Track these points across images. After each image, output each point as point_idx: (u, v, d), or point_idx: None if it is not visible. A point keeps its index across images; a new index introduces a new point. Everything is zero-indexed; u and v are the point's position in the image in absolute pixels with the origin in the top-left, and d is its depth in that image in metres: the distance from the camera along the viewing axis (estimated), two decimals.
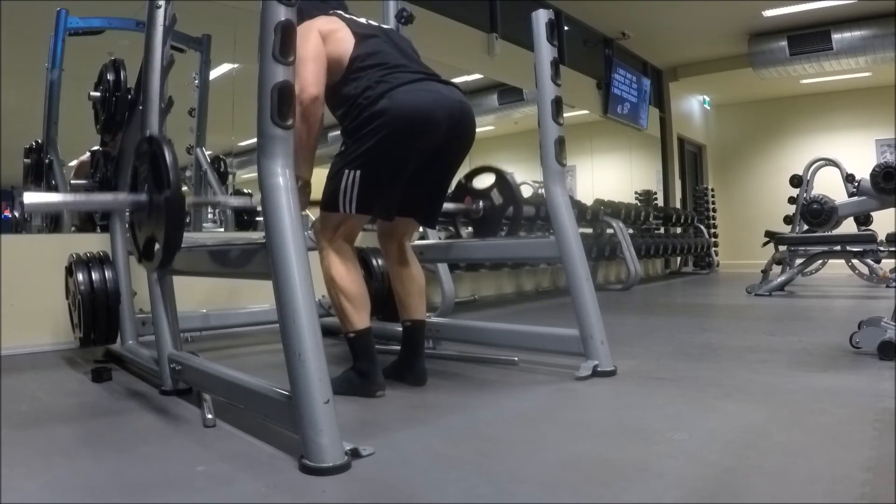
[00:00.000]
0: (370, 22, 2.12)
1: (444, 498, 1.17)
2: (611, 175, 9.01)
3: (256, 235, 3.49)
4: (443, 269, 3.30)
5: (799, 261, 5.41)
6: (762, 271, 5.58)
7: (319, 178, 2.02)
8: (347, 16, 2.08)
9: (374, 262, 3.12)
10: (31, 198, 1.68)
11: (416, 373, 2.11)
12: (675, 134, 9.79)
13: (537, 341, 2.41)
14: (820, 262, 5.76)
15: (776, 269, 5.61)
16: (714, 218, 9.53)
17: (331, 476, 1.27)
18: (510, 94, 6.87)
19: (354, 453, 1.34)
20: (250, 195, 4.58)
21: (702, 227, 9.01)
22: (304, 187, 1.95)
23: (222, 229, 4.34)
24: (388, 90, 1.86)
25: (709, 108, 11.12)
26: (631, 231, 6.79)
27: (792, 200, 6.10)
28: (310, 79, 1.85)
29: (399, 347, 2.21)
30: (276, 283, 1.40)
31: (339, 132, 2.03)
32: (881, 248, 4.97)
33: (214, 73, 4.28)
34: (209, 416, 1.66)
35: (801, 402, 1.77)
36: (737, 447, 1.40)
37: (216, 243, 2.37)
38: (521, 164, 7.13)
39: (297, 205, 1.46)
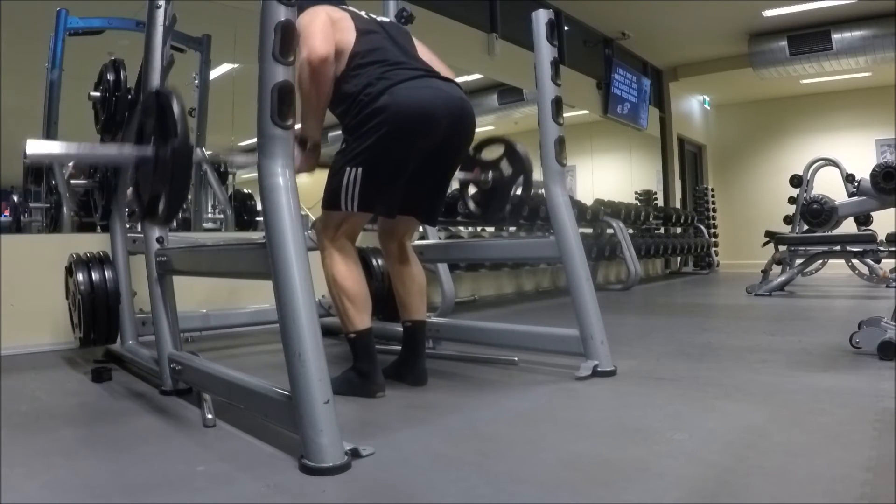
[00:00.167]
0: (371, 16, 2.12)
1: (444, 498, 1.17)
2: (611, 175, 9.01)
3: (256, 235, 3.49)
4: (443, 269, 3.30)
5: (799, 261, 5.41)
6: (762, 271, 5.58)
7: (319, 177, 2.02)
8: (351, 9, 2.08)
9: (375, 261, 3.12)
10: (33, 146, 1.63)
11: (416, 373, 2.11)
12: (675, 134, 9.79)
13: (537, 341, 2.41)
14: (820, 262, 5.76)
15: (776, 269, 5.61)
16: (714, 218, 9.53)
17: (331, 476, 1.27)
18: (510, 94, 6.87)
19: (354, 453, 1.34)
20: (251, 196, 4.59)
21: (702, 227, 9.01)
22: (314, 149, 1.95)
23: (222, 229, 4.34)
24: (388, 87, 1.86)
25: (709, 108, 11.12)
26: (631, 231, 6.79)
27: (792, 200, 6.11)
28: (318, 41, 1.84)
29: (399, 347, 2.21)
30: (276, 283, 1.40)
31: (339, 132, 2.03)
32: (881, 248, 4.97)
33: (214, 73, 4.29)
34: (209, 416, 1.66)
35: (801, 402, 1.77)
36: (737, 447, 1.40)
37: (216, 243, 2.37)
38: None
39: (297, 205, 1.46)
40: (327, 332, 2.40)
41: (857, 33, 7.56)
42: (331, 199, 1.93)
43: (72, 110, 3.53)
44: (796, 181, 6.13)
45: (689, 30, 7.98)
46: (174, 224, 4.21)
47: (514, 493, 1.18)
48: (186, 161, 1.54)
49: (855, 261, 5.40)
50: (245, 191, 4.67)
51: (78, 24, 3.57)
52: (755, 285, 5.33)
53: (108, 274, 2.40)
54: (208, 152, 4.24)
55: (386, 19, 2.21)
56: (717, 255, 9.26)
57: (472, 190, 2.75)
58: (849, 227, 5.57)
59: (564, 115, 2.36)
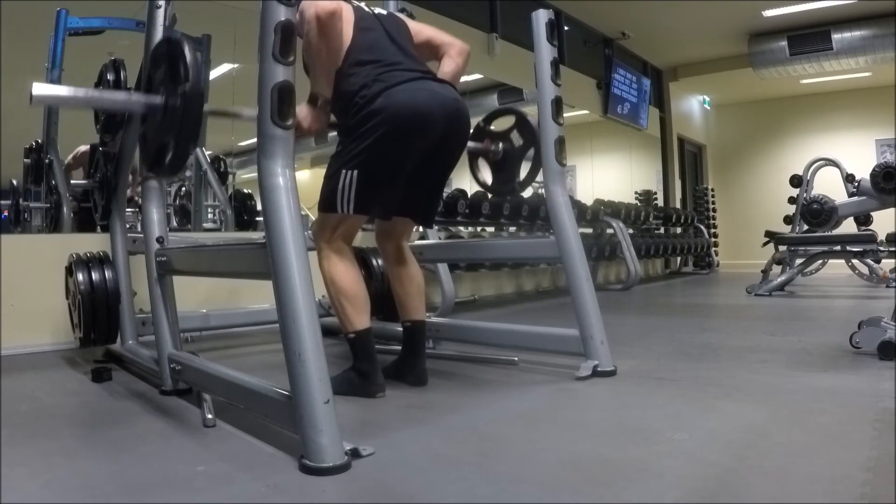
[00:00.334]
0: (370, 10, 2.11)
1: (444, 498, 1.17)
2: (611, 175, 9.01)
3: (256, 235, 3.49)
4: (443, 269, 3.30)
5: (799, 261, 5.41)
6: (762, 271, 5.58)
7: (320, 177, 2.01)
8: (353, 1, 2.08)
9: (374, 262, 3.12)
10: (39, 88, 1.61)
11: (416, 373, 2.11)
12: (675, 134, 9.80)
13: (537, 341, 2.41)
14: (820, 262, 5.76)
15: (776, 269, 5.61)
16: (714, 218, 9.53)
17: (331, 476, 1.27)
18: (510, 94, 6.87)
19: (354, 453, 1.34)
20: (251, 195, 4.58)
21: (702, 227, 9.01)
22: (325, 105, 1.94)
23: (222, 229, 4.34)
24: (384, 89, 1.86)
25: (709, 108, 11.13)
26: (631, 231, 6.79)
27: (792, 200, 6.11)
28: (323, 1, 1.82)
29: (399, 347, 2.21)
30: (276, 283, 1.40)
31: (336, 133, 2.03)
32: (881, 248, 4.97)
33: (214, 73, 4.29)
34: (209, 416, 1.66)
35: (801, 402, 1.77)
36: (737, 447, 1.40)
37: (216, 243, 2.37)
38: None
39: (297, 205, 1.46)
40: (327, 332, 2.40)
41: (857, 33, 7.56)
42: (327, 201, 1.93)
43: (72, 110, 3.53)
44: (796, 181, 6.13)
45: (689, 30, 7.98)
46: (174, 224, 4.22)
47: (514, 493, 1.18)
48: (197, 107, 1.51)
49: (855, 261, 5.40)
50: (245, 191, 4.67)
51: (78, 24, 3.57)
52: (755, 285, 5.33)
53: (108, 274, 2.40)
54: (209, 152, 4.25)
55: (384, 12, 2.19)
56: (717, 255, 9.26)
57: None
58: (849, 227, 5.57)
59: (564, 115, 2.36)
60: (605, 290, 6.03)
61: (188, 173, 4.15)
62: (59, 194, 3.47)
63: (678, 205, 9.71)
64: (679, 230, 8.72)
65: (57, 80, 3.50)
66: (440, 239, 3.77)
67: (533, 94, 2.43)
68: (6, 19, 3.31)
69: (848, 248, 5.12)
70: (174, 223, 4.31)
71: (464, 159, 2.19)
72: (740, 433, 1.51)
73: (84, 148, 3.67)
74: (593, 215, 6.41)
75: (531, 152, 2.51)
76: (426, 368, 2.14)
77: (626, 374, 2.18)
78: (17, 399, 2.02)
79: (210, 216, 4.41)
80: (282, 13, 1.44)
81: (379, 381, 1.95)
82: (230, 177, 4.59)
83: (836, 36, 7.63)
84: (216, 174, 4.29)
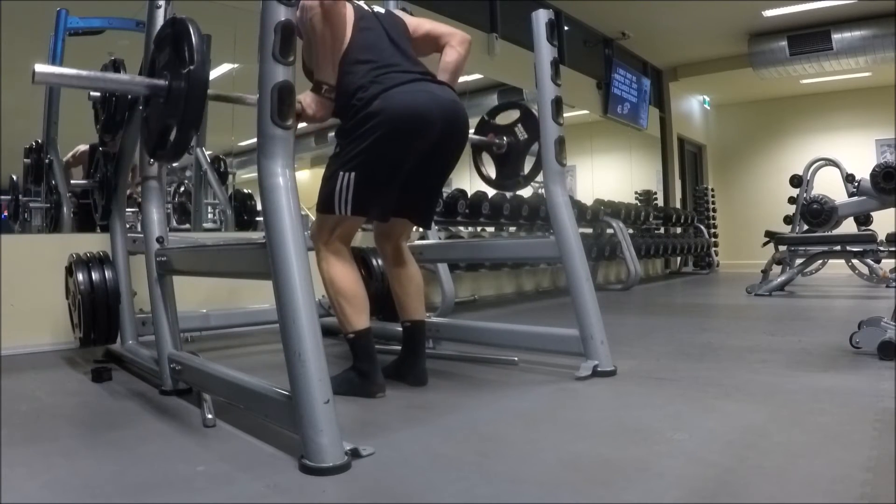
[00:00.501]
0: (370, 8, 2.11)
1: (444, 498, 1.17)
2: (611, 175, 9.01)
3: (256, 235, 3.49)
4: (443, 269, 3.30)
5: (799, 261, 5.41)
6: (762, 271, 5.58)
7: (318, 178, 2.01)
8: (355, 2, 2.08)
9: (374, 262, 3.12)
10: (42, 68, 1.58)
11: (416, 373, 2.11)
12: (675, 134, 9.80)
13: (537, 341, 2.41)
14: (820, 262, 5.76)
15: (776, 269, 5.61)
16: (714, 218, 9.53)
17: (331, 476, 1.27)
18: (510, 94, 6.86)
19: (354, 453, 1.34)
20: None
21: (702, 227, 9.01)
22: (329, 92, 1.93)
23: (222, 229, 4.34)
24: (381, 91, 1.86)
25: (709, 108, 11.13)
26: (631, 231, 6.79)
27: (792, 200, 6.11)
28: None
29: (399, 347, 2.21)
30: (276, 283, 1.40)
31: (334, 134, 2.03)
32: (881, 248, 4.97)
33: (214, 73, 4.28)
34: (209, 416, 1.66)
35: (801, 402, 1.77)
36: (737, 447, 1.40)
37: (216, 243, 2.37)
38: None
39: (297, 205, 1.46)
40: (327, 332, 2.40)
41: (857, 33, 7.56)
42: (325, 202, 1.93)
43: (72, 110, 3.53)
44: (796, 181, 6.13)
45: (689, 30, 7.98)
46: (174, 224, 4.22)
47: (514, 493, 1.18)
48: (201, 90, 1.50)
49: (855, 261, 5.41)
50: (245, 191, 4.67)
51: (78, 24, 3.57)
52: (755, 285, 5.33)
53: (108, 274, 2.40)
54: (209, 152, 4.25)
55: (383, 11, 2.19)
56: (717, 255, 9.27)
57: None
58: (849, 227, 5.57)
59: (564, 115, 2.36)
60: (605, 290, 6.03)
61: (188, 173, 4.15)
62: (59, 194, 3.47)
63: (678, 205, 9.71)
64: (679, 230, 8.72)
65: None
66: (440, 239, 3.78)
67: (533, 94, 2.43)
68: (6, 19, 3.31)
69: (848, 248, 5.13)
70: (173, 222, 4.31)
71: (467, 155, 2.18)
72: (740, 433, 1.51)
73: (84, 147, 3.67)
74: (593, 215, 6.41)
75: (535, 147, 2.51)
76: (426, 368, 2.14)
77: (626, 374, 2.18)
78: (17, 399, 2.02)
79: (210, 216, 4.41)
80: (282, 13, 1.44)
81: (379, 381, 1.95)
82: (230, 177, 4.59)
83: (836, 36, 7.64)
84: (216, 174, 4.29)
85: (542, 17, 2.32)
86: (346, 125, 1.91)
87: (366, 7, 2.10)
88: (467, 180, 4.95)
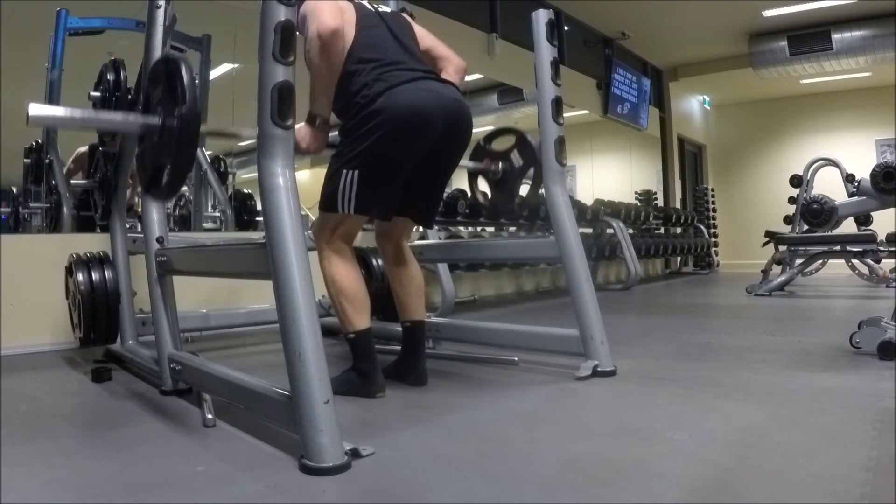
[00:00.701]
0: (374, 7, 2.11)
1: (444, 498, 1.17)
2: (611, 175, 9.01)
3: (256, 235, 3.49)
4: (443, 269, 3.30)
5: (799, 261, 5.41)
6: (762, 271, 5.58)
7: (320, 177, 2.01)
8: (356, 1, 2.07)
9: (374, 262, 3.12)
10: (35, 109, 1.61)
11: (416, 373, 2.11)
12: (675, 134, 9.80)
13: (537, 341, 2.41)
14: (820, 262, 5.76)
15: (776, 269, 5.61)
16: (714, 218, 9.53)
17: (331, 476, 1.27)
18: (510, 94, 6.87)
19: (354, 453, 1.34)
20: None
21: (702, 227, 9.01)
22: (322, 125, 1.93)
23: (222, 229, 4.34)
24: (385, 89, 1.86)
25: (709, 108, 11.13)
26: (631, 231, 6.79)
27: (792, 200, 6.11)
28: (326, 15, 1.81)
29: (399, 347, 2.21)
30: (276, 283, 1.40)
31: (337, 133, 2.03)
32: (881, 248, 4.97)
33: (214, 73, 4.29)
34: (209, 416, 1.66)
35: (801, 402, 1.77)
36: (737, 447, 1.40)
37: (216, 243, 2.37)
38: None
39: (297, 205, 1.46)
40: (327, 332, 2.40)
41: (857, 33, 7.56)
42: (327, 201, 1.93)
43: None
44: (796, 181, 6.13)
45: (689, 30, 7.98)
46: (174, 224, 4.22)
47: (514, 493, 1.18)
48: (194, 130, 1.50)
49: (855, 261, 5.40)
50: (245, 191, 4.67)
51: (78, 24, 3.57)
52: (755, 285, 5.33)
53: (108, 274, 2.40)
54: (209, 152, 4.25)
55: (387, 9, 2.19)
56: (717, 255, 9.27)
57: (482, 183, 2.72)
58: (849, 227, 5.57)
59: (564, 115, 2.36)
60: (605, 290, 6.03)
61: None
62: (59, 194, 3.47)
63: (678, 205, 9.71)
64: (679, 230, 8.72)
65: (57, 80, 3.50)
66: (440, 239, 3.77)
67: (533, 94, 2.44)
68: (6, 19, 3.31)
69: (848, 248, 5.13)
70: (173, 223, 4.30)
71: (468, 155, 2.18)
72: (740, 433, 1.51)
73: (83, 149, 3.67)
74: (593, 215, 6.41)
75: (531, 173, 2.53)
76: (426, 368, 2.14)
77: (626, 374, 2.18)
78: (17, 399, 2.02)
79: (210, 214, 4.41)
80: (282, 13, 1.44)
81: (379, 381, 1.95)
82: (230, 177, 4.59)
83: (836, 36, 7.63)
84: (216, 174, 4.29)
85: (542, 17, 2.32)
86: (350, 123, 1.90)
87: (368, 6, 2.10)
88: (468, 180, 4.94)
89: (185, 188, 4.28)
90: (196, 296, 3.10)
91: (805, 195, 5.85)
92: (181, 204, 4.38)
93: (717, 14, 7.35)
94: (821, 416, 1.62)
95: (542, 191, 2.43)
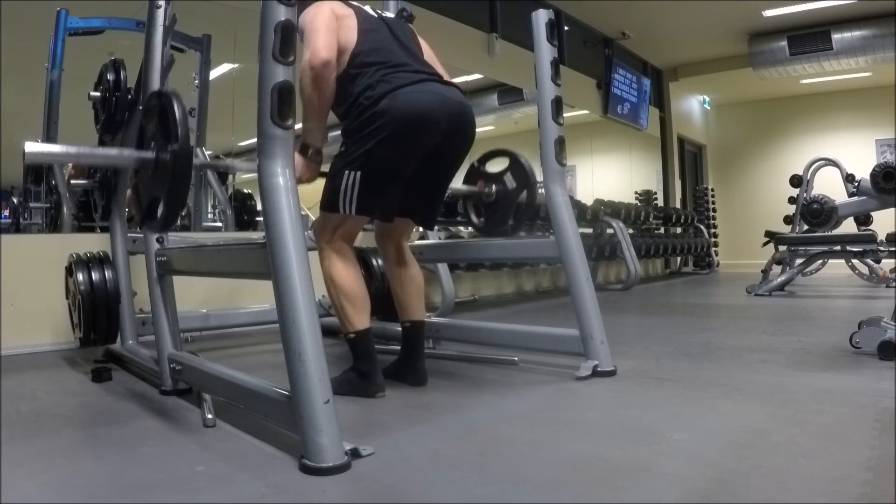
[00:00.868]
0: (376, 13, 2.11)
1: (444, 498, 1.17)
2: (611, 175, 9.01)
3: (256, 235, 3.49)
4: (443, 269, 3.30)
5: (799, 261, 5.41)
6: (762, 271, 5.58)
7: (319, 178, 2.01)
8: (355, 4, 2.07)
9: (374, 262, 3.12)
10: (31, 147, 1.62)
11: (416, 373, 2.11)
12: (675, 134, 9.80)
13: (537, 341, 2.41)
14: (820, 262, 5.76)
15: (776, 269, 5.61)
16: (714, 218, 9.53)
17: (331, 476, 1.27)
18: (510, 94, 6.87)
19: (354, 453, 1.34)
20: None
21: (702, 227, 9.01)
22: (315, 156, 1.94)
23: (222, 229, 4.34)
24: (389, 91, 1.86)
25: (709, 108, 11.12)
26: (631, 231, 6.79)
27: (792, 200, 6.10)
28: (321, 43, 1.83)
29: (399, 347, 2.21)
30: (276, 283, 1.40)
31: (339, 132, 2.03)
32: (881, 248, 4.97)
33: (214, 73, 4.29)
34: (209, 416, 1.66)
35: (801, 402, 1.77)
36: (737, 447, 1.40)
37: (216, 243, 2.37)
38: None
39: (297, 205, 1.46)
40: (327, 332, 2.40)
41: (857, 33, 7.56)
42: (329, 201, 1.93)
43: (72, 110, 3.53)
44: (796, 181, 6.13)
45: (689, 30, 7.98)
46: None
47: (514, 493, 1.18)
48: (186, 166, 1.52)
49: (855, 261, 5.40)
50: (245, 191, 4.67)
51: (78, 24, 3.57)
52: (755, 285, 5.33)
53: (108, 274, 2.40)
54: (209, 152, 4.25)
55: (391, 15, 2.20)
56: (717, 255, 9.27)
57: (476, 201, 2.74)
58: (849, 227, 5.57)
59: (564, 115, 2.36)
60: (605, 290, 6.03)
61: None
62: (59, 194, 3.47)
63: (678, 205, 9.71)
64: (679, 230, 8.72)
65: (57, 80, 3.50)
66: (440, 239, 3.77)
67: (533, 94, 2.44)
68: (6, 19, 3.31)
69: (848, 248, 5.13)
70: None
71: (470, 155, 2.19)
72: (740, 433, 1.51)
73: None
74: (593, 215, 6.41)
75: (523, 195, 2.55)
76: (426, 368, 2.14)
77: (626, 374, 2.18)
78: (17, 399, 2.02)
79: (210, 215, 4.41)
80: (282, 13, 1.44)
81: (379, 381, 1.95)
82: (230, 177, 4.59)
83: (836, 36, 7.63)
84: (216, 174, 4.29)
85: (542, 17, 2.32)
86: (353, 124, 1.90)
87: (370, 11, 2.10)
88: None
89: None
90: (196, 296, 3.10)
91: (805, 195, 5.85)
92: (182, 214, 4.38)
93: (717, 14, 7.35)
94: (821, 416, 1.62)
95: (542, 190, 2.43)
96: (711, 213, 9.52)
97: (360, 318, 1.95)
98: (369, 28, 2.00)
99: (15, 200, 3.86)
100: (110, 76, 2.54)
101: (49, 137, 3.56)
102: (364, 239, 3.02)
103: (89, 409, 1.94)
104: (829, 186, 5.83)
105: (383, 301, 2.73)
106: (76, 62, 3.51)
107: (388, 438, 1.53)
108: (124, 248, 2.53)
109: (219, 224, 4.38)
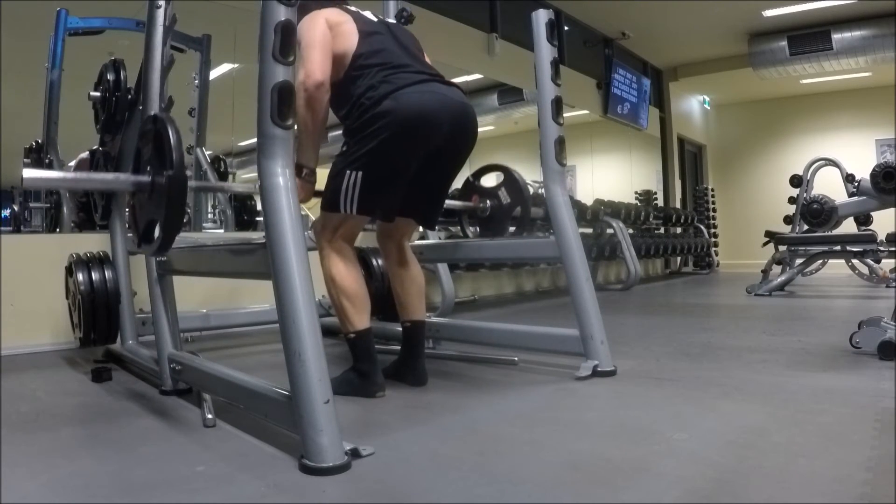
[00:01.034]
0: (375, 17, 2.11)
1: (444, 498, 1.17)
2: (611, 175, 9.01)
3: (256, 235, 3.49)
4: (443, 269, 3.30)
5: (799, 261, 5.41)
6: (762, 271, 5.58)
7: (320, 178, 2.01)
8: (353, 9, 2.07)
9: (375, 261, 3.12)
10: (29, 173, 1.64)
11: (416, 373, 2.11)
12: (675, 134, 9.80)
13: (537, 341, 2.41)
14: (820, 262, 5.76)
15: (776, 269, 5.61)
16: (714, 218, 9.53)
17: (331, 476, 1.27)
18: (510, 94, 6.87)
19: (354, 453, 1.34)
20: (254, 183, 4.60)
21: (702, 227, 9.01)
22: (309, 176, 1.95)
23: (222, 229, 4.34)
24: (391, 91, 1.86)
25: (709, 108, 11.13)
26: (631, 231, 6.79)
27: (792, 200, 6.10)
28: (315, 65, 1.84)
29: (399, 347, 2.21)
30: (276, 283, 1.40)
31: (339, 132, 2.03)
32: (881, 248, 4.97)
33: (214, 73, 4.29)
34: (209, 416, 1.66)
35: (801, 402, 1.77)
36: (737, 447, 1.40)
37: (216, 243, 2.37)
38: (521, 164, 7.09)
39: (297, 205, 1.46)
40: (327, 332, 2.40)
41: (857, 33, 7.56)
42: (330, 200, 1.93)
43: (72, 110, 3.53)
44: (796, 181, 6.13)
45: (689, 30, 7.98)
46: None
47: (514, 493, 1.18)
48: (181, 191, 1.55)
49: (855, 261, 5.40)
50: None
51: (78, 24, 3.57)
52: (755, 285, 5.33)
53: (108, 274, 2.40)
54: (209, 152, 4.25)
55: (392, 21, 2.20)
56: (717, 255, 9.27)
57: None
58: (849, 227, 5.57)
59: (564, 115, 2.36)
60: (605, 290, 6.03)
61: (188, 173, 4.15)
62: (58, 194, 3.47)
63: (678, 205, 9.71)
64: (679, 230, 8.72)
65: (57, 80, 3.50)
66: (440, 239, 3.78)
67: (533, 94, 2.44)
68: (6, 19, 3.31)
69: (848, 248, 5.13)
70: None
71: (472, 156, 2.19)
72: (740, 433, 1.51)
73: (84, 155, 3.67)
74: (593, 215, 6.41)
75: (518, 210, 2.59)
76: (426, 368, 2.14)
77: (626, 374, 2.18)
78: (18, 399, 2.02)
79: (210, 216, 4.41)
80: (282, 13, 1.44)
81: (379, 381, 1.95)
82: (230, 177, 4.59)
83: (836, 36, 7.63)
84: (216, 174, 4.29)
85: (542, 17, 2.32)
86: (354, 124, 1.90)
87: (370, 16, 2.10)
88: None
89: (188, 172, 4.29)
90: (196, 296, 3.10)
91: (805, 195, 5.85)
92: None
93: (717, 14, 7.35)
94: (821, 416, 1.62)
95: (541, 190, 2.44)
96: (711, 213, 9.53)
97: (361, 317, 1.95)
98: (370, 31, 2.00)
99: (16, 208, 3.86)
100: (110, 76, 2.54)
101: (49, 137, 3.56)
102: (365, 239, 3.03)
103: (89, 409, 1.94)
104: (829, 186, 5.83)
105: (383, 301, 2.74)
106: (76, 62, 3.51)
107: (388, 438, 1.53)
108: (124, 248, 2.53)
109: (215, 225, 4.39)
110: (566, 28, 7.33)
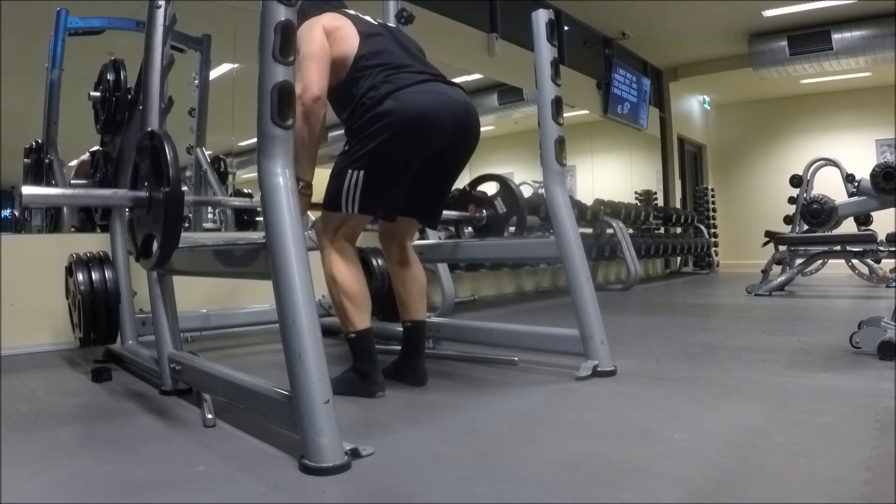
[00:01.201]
0: (375, 19, 2.12)
1: (445, 498, 1.17)
2: (611, 175, 9.01)
3: (256, 235, 3.49)
4: (443, 269, 3.30)
5: (799, 261, 5.41)
6: (762, 271, 5.58)
7: (321, 178, 2.01)
8: (352, 13, 2.07)
9: (375, 261, 3.12)
10: (29, 190, 1.66)
11: (416, 373, 2.11)
12: (675, 134, 9.80)
13: (537, 341, 2.41)
14: (820, 262, 5.76)
15: (776, 269, 5.61)
16: (714, 218, 9.54)
17: (331, 476, 1.27)
18: (510, 94, 6.87)
19: (354, 453, 1.34)
20: (251, 195, 4.60)
21: (702, 227, 9.01)
22: (305, 189, 1.94)
23: (222, 229, 4.34)
24: (393, 91, 1.86)
25: (709, 108, 11.13)
26: (631, 231, 6.79)
27: (792, 200, 6.11)
28: (313, 78, 1.84)
29: (399, 347, 2.21)
30: (276, 283, 1.40)
31: (341, 132, 2.03)
32: (881, 248, 4.97)
33: (214, 73, 4.29)
34: (209, 416, 1.66)
35: (801, 402, 1.77)
36: (737, 447, 1.40)
37: (216, 243, 2.37)
38: (521, 164, 7.13)
39: (297, 205, 1.46)
40: (327, 332, 2.40)
41: (857, 33, 7.56)
42: (331, 200, 1.93)
43: (72, 110, 3.53)
44: (796, 181, 6.13)
45: (689, 30, 7.98)
46: None
47: (514, 493, 1.18)
48: (178, 206, 1.56)
49: (855, 261, 5.40)
50: (245, 191, 4.67)
51: (78, 24, 3.57)
52: (755, 285, 5.33)
53: (108, 274, 2.40)
54: (209, 152, 4.25)
55: (392, 25, 2.21)
56: (717, 255, 9.27)
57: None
58: (849, 227, 5.57)
59: (564, 115, 2.36)
60: (605, 290, 6.03)
61: (188, 173, 4.16)
62: None
63: (678, 205, 9.71)
64: (679, 230, 8.72)
65: (57, 80, 3.50)
66: (440, 239, 3.78)
67: (533, 94, 2.44)
68: (6, 19, 3.31)
69: (848, 248, 5.13)
70: None
71: (473, 155, 2.20)
72: (740, 433, 1.51)
73: (85, 157, 3.68)
74: (593, 215, 6.41)
75: (514, 219, 2.62)
76: (426, 368, 2.14)
77: (626, 374, 2.18)
78: (17, 399, 2.02)
79: (210, 216, 4.41)
80: (282, 13, 1.44)
81: (379, 381, 1.95)
82: (230, 177, 4.59)
83: (836, 36, 7.64)
84: (216, 174, 4.29)
85: (542, 17, 2.32)
86: (356, 124, 1.90)
87: (371, 19, 2.10)
88: (468, 180, 4.95)
89: (185, 187, 4.29)
90: (196, 296, 3.10)
91: (805, 195, 5.85)
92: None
93: (717, 14, 7.35)
94: (821, 416, 1.62)
95: (541, 190, 2.45)
96: (711, 213, 9.53)
97: (361, 317, 1.95)
98: (370, 32, 2.00)
99: (16, 213, 3.86)
100: (110, 76, 2.54)
101: (49, 137, 3.56)
102: (365, 239, 3.03)
103: (89, 409, 1.94)
104: (829, 186, 5.83)
105: (384, 301, 2.74)
106: (76, 62, 3.51)
107: (388, 438, 1.53)
108: (124, 248, 2.53)
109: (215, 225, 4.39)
110: (566, 28, 7.33)
